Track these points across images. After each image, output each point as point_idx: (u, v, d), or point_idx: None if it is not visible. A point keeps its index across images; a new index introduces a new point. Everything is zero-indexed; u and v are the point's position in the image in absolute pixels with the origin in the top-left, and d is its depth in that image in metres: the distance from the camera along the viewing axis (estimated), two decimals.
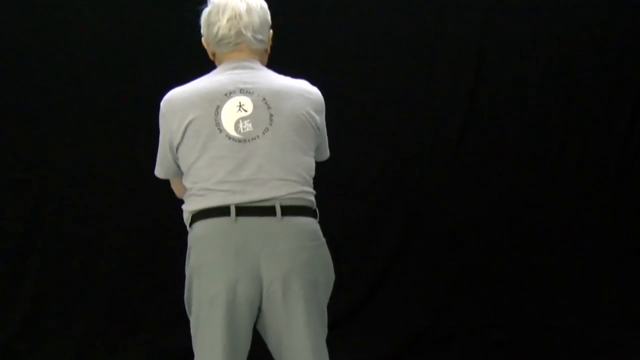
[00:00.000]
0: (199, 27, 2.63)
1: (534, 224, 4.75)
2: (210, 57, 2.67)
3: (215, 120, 2.46)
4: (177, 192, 2.68)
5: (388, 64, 4.63)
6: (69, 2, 4.37)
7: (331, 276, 2.57)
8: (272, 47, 2.70)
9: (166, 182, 2.72)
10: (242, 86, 2.50)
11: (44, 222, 4.47)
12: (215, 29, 2.56)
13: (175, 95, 2.55)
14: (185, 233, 2.57)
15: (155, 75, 4.12)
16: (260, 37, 2.58)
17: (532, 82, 4.73)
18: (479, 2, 4.66)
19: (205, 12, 2.60)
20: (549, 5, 4.68)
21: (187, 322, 2.55)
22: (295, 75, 2.65)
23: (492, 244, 4.71)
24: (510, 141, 4.75)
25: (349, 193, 4.66)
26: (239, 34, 2.54)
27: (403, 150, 4.70)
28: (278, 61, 2.57)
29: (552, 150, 4.76)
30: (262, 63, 2.62)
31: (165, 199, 2.91)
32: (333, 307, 2.66)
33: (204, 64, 2.67)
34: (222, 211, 2.42)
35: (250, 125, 2.46)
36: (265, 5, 2.62)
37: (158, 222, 4.38)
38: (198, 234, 2.48)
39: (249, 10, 2.55)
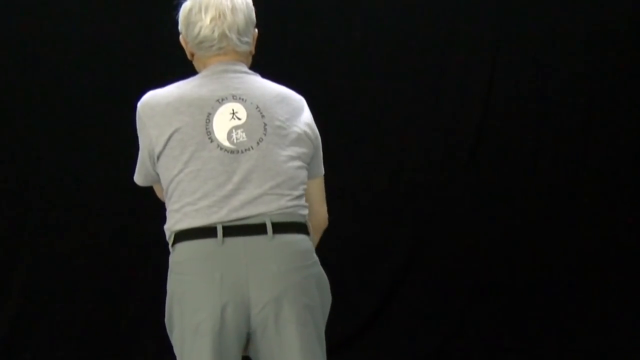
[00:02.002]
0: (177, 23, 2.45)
1: (552, 239, 4.66)
2: (189, 57, 2.50)
3: (206, 128, 2.31)
4: (162, 197, 2.52)
5: (397, 69, 4.57)
6: (56, 7, 4.31)
7: (327, 297, 2.44)
8: (275, 48, 2.51)
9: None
10: (234, 92, 2.36)
11: (27, 233, 4.41)
12: (197, 29, 2.38)
13: (156, 99, 2.38)
14: None
15: (144, 81, 3.99)
16: (245, 39, 2.42)
17: (550, 87, 4.66)
18: (493, 3, 4.60)
19: (184, 9, 2.42)
20: (566, 5, 4.62)
21: None
22: (298, 77, 2.47)
23: (507, 260, 4.63)
24: (527, 150, 4.69)
25: (356, 205, 4.59)
26: (222, 36, 2.38)
27: (413, 160, 4.64)
28: (279, 62, 2.43)
29: (573, 159, 4.67)
30: (247, 66, 2.47)
31: (158, 206, 2.74)
32: (339, 327, 2.54)
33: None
34: (207, 232, 2.28)
35: (244, 135, 2.32)
36: (250, 1, 2.45)
37: (153, 232, 4.24)
38: (181, 258, 2.33)
39: (234, 9, 2.38)
